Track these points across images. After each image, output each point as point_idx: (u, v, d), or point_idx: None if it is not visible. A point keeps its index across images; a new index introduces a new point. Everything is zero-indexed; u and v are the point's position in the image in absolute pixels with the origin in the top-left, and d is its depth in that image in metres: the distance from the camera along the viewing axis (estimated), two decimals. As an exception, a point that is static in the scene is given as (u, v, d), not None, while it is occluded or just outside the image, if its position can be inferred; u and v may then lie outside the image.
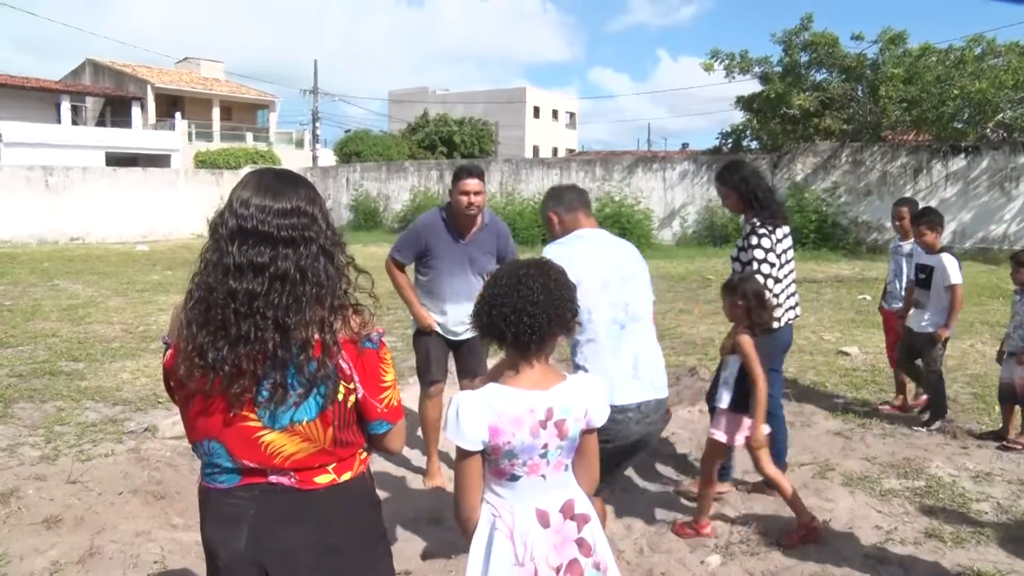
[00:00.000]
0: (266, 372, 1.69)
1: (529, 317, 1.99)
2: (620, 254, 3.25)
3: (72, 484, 4.22)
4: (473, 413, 1.95)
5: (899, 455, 5.13)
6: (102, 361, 7.53)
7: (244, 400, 1.69)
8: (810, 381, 7.03)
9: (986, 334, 9.05)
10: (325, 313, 1.72)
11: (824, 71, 20.28)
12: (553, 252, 3.02)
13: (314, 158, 36.48)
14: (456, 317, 4.60)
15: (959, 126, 17.78)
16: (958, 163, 17.65)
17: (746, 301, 3.98)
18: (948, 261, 5.58)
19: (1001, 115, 17.31)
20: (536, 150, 54.96)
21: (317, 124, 37.85)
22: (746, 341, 3.91)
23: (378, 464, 5.13)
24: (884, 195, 18.40)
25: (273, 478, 1.77)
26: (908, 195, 18.25)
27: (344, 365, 1.74)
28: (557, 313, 2.02)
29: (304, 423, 1.73)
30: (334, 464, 1.81)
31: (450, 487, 4.83)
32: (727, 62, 20.58)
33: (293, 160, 35.39)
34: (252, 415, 1.72)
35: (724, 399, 4.02)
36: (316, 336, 1.69)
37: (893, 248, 6.50)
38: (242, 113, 42.60)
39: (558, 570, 2.01)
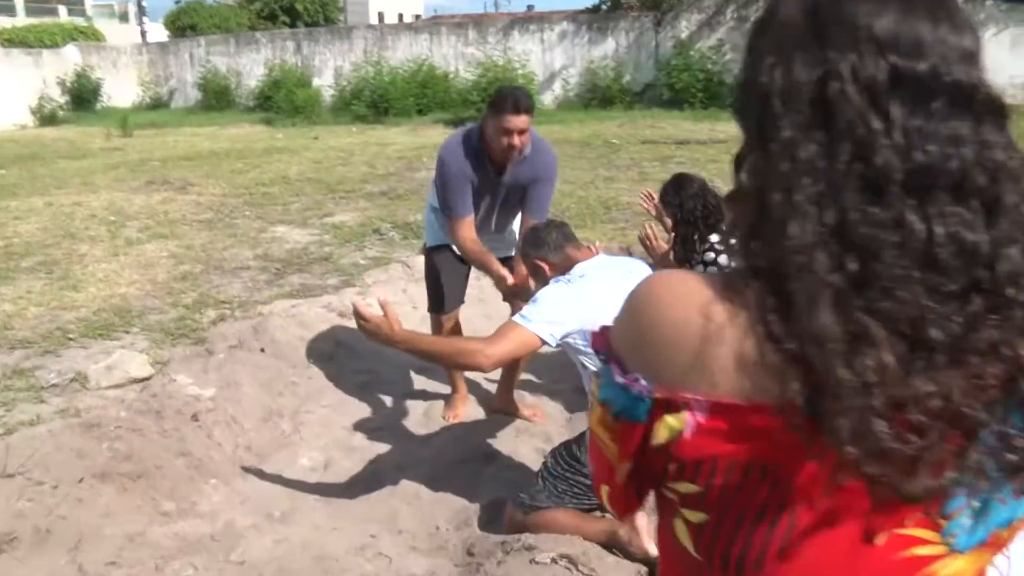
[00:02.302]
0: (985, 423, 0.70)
1: None
2: (630, 279, 2.74)
3: (10, 478, 3.10)
4: None
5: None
6: (-34, 289, 6.08)
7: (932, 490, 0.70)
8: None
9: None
10: None
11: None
12: (559, 295, 2.69)
13: (143, 33, 32.68)
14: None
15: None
16: (841, 14, 17.51)
17: None
18: None
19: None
20: (381, 16, 51.80)
21: (142, -6, 33.82)
22: None
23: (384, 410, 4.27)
24: (769, 50, 18.14)
25: None
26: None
27: None
28: None
29: (1011, 526, 0.77)
30: None
31: (474, 416, 4.05)
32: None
33: (119, 35, 31.57)
34: (926, 528, 0.74)
35: None
36: None
37: None
38: (49, -17, 37.49)
39: None
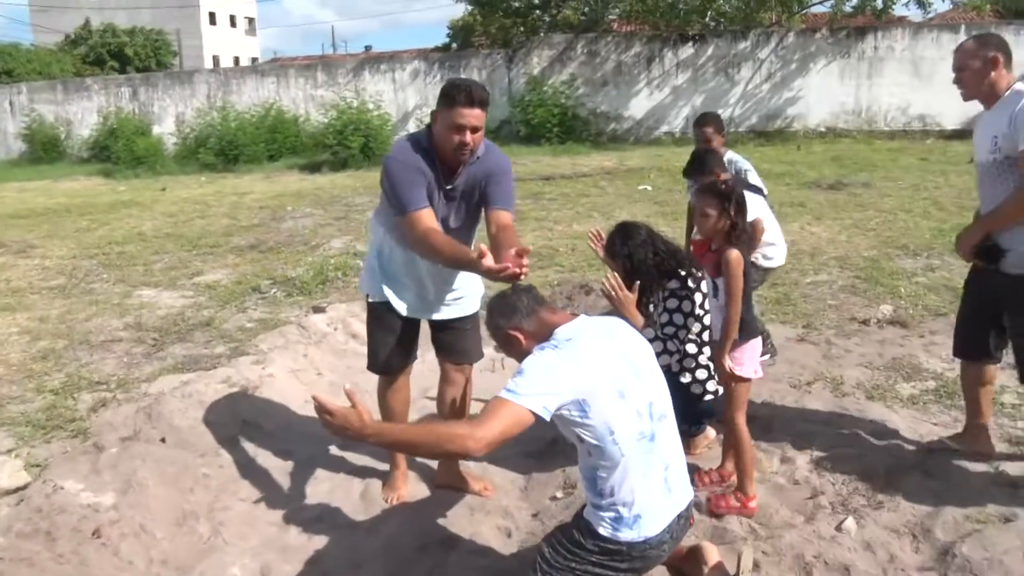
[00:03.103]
0: None
1: None
2: (618, 340, 2.59)
3: None
4: None
5: (886, 355, 4.77)
6: None
7: None
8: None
9: (807, 215, 9.18)
10: None
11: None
12: (548, 363, 2.41)
13: (-50, 81, 30.09)
14: (439, 290, 3.43)
15: (683, 15, 18.36)
16: (687, 51, 18.29)
17: (738, 209, 3.20)
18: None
19: (719, 4, 18.16)
20: (216, 60, 50.20)
21: (-53, 39, 31.16)
22: (738, 259, 3.17)
23: (331, 484, 3.81)
24: (620, 85, 18.72)
25: None
26: (643, 83, 18.66)
27: None
28: None
29: None
30: None
31: (418, 494, 3.67)
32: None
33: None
34: None
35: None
36: None
37: None
38: None
39: None
